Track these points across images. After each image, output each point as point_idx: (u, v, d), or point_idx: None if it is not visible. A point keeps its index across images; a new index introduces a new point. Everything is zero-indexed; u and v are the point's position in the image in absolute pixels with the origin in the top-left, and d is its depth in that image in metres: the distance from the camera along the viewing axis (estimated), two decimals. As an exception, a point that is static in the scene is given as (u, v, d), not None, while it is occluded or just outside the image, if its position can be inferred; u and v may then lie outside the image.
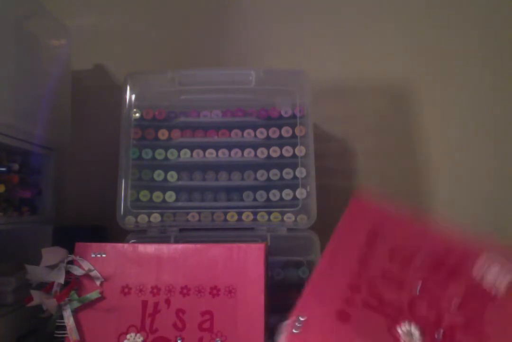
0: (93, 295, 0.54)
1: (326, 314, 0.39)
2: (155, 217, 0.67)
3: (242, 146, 0.69)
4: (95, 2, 0.91)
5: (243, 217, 0.67)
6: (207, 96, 0.71)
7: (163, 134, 0.70)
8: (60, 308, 0.53)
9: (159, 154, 0.69)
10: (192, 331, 0.52)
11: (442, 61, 0.88)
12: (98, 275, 0.54)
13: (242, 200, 0.68)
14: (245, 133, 0.70)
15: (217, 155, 0.69)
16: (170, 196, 0.68)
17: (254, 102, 0.71)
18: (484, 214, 0.84)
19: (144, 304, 0.53)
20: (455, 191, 0.85)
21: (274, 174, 0.69)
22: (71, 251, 0.56)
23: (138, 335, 0.52)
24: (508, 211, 0.83)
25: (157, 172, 0.69)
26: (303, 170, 0.68)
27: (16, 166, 0.64)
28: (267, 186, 0.68)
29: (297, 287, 0.53)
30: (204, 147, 0.70)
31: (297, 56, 0.89)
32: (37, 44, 0.68)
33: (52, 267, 0.55)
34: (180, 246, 0.57)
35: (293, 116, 0.70)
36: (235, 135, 0.70)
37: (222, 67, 0.84)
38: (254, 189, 0.68)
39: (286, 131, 0.69)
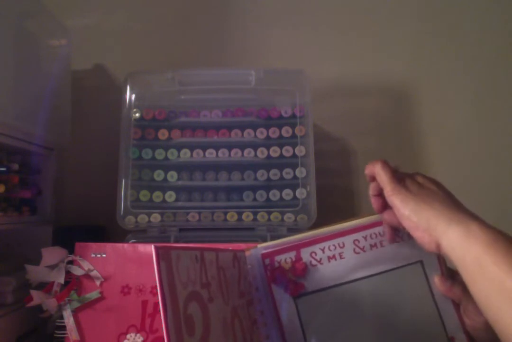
0: (93, 295, 0.54)
1: None
2: (155, 217, 0.67)
3: (242, 146, 0.69)
4: (95, 2, 0.91)
5: (243, 217, 0.67)
6: (207, 96, 0.71)
7: (163, 134, 0.70)
8: (60, 308, 0.53)
9: (159, 154, 0.69)
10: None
11: (442, 61, 0.88)
12: (98, 275, 0.54)
13: (242, 200, 0.68)
14: (245, 133, 0.70)
15: (217, 155, 0.69)
16: (170, 196, 0.68)
17: (254, 102, 0.71)
18: (486, 212, 0.83)
19: (144, 304, 0.53)
20: (455, 190, 0.85)
21: (274, 174, 0.69)
22: (71, 251, 0.56)
23: (138, 335, 0.52)
24: (509, 210, 0.83)
25: (157, 172, 0.69)
26: (303, 170, 0.68)
27: (16, 166, 0.64)
28: (267, 186, 0.68)
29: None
30: (204, 147, 0.70)
31: (297, 56, 0.89)
32: (37, 44, 0.68)
33: (52, 267, 0.55)
34: (180, 246, 0.57)
35: (293, 116, 0.70)
36: (235, 135, 0.70)
37: (222, 67, 0.84)
38: (254, 189, 0.68)
39: (286, 131, 0.69)
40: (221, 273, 0.39)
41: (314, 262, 0.45)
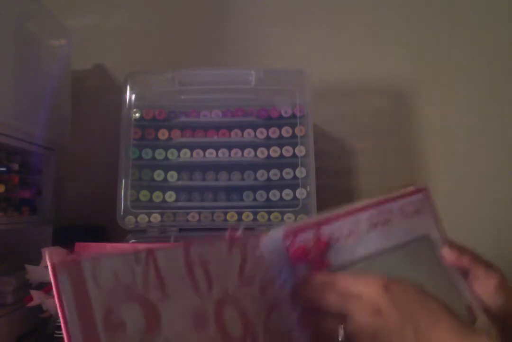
0: (93, 295, 0.54)
1: None
2: (155, 217, 0.67)
3: (242, 146, 0.69)
4: (95, 2, 0.91)
5: (243, 217, 0.67)
6: (207, 96, 0.71)
7: (163, 134, 0.70)
8: (60, 308, 0.53)
9: (159, 154, 0.69)
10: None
11: (442, 62, 0.88)
12: (98, 275, 0.54)
13: (242, 200, 0.68)
14: (245, 133, 0.70)
15: (217, 155, 0.69)
16: (170, 196, 0.68)
17: (254, 102, 0.71)
18: (484, 212, 0.84)
19: (144, 304, 0.53)
20: (454, 190, 0.85)
21: (274, 173, 0.69)
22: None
23: (138, 335, 0.52)
24: (508, 210, 0.83)
25: (157, 172, 0.69)
26: (303, 170, 0.68)
27: (16, 166, 0.64)
28: (267, 186, 0.68)
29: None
30: (204, 147, 0.70)
31: (297, 56, 0.89)
32: (37, 44, 0.68)
33: (52, 267, 0.55)
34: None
35: (293, 116, 0.70)
36: (235, 135, 0.70)
37: (222, 67, 0.84)
38: (254, 189, 0.68)
39: (286, 131, 0.69)
40: (196, 267, 0.38)
41: (334, 239, 0.45)
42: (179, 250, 0.38)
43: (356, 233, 0.46)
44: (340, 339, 0.37)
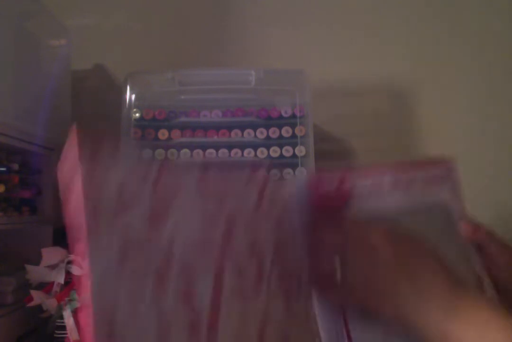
0: (93, 295, 0.54)
1: None
2: (155, 217, 0.67)
3: (242, 146, 0.69)
4: (95, 2, 0.91)
5: (243, 217, 0.67)
6: (207, 96, 0.71)
7: (163, 134, 0.70)
8: (60, 308, 0.53)
9: (159, 154, 0.69)
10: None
11: (442, 62, 0.88)
12: (98, 275, 0.54)
13: (242, 200, 0.68)
14: (245, 133, 0.70)
15: (217, 155, 0.69)
16: (170, 196, 0.68)
17: (254, 102, 0.71)
18: (484, 212, 0.83)
19: (144, 304, 0.53)
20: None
21: (274, 174, 0.68)
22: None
23: (138, 335, 0.52)
24: (509, 210, 0.83)
25: (157, 172, 0.69)
26: (303, 170, 0.68)
27: (16, 166, 0.64)
28: (267, 186, 0.68)
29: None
30: (204, 147, 0.70)
31: (297, 56, 0.89)
32: (37, 44, 0.68)
33: (52, 267, 0.55)
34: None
35: (293, 116, 0.70)
36: (235, 135, 0.70)
37: (222, 67, 0.84)
38: (254, 189, 0.68)
39: (286, 131, 0.69)
40: (209, 191, 0.38)
41: (356, 193, 0.45)
42: (195, 171, 0.37)
43: (378, 191, 0.46)
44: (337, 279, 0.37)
